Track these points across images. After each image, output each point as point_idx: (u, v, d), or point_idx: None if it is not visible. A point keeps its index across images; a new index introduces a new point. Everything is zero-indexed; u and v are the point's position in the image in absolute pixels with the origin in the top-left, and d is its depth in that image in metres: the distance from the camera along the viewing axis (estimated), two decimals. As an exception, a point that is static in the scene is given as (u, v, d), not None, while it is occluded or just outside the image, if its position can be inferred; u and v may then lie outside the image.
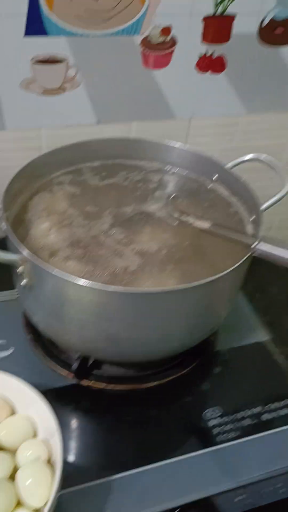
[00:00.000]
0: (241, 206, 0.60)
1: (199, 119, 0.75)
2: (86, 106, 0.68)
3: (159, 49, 0.66)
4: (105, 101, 0.68)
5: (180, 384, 0.57)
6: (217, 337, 0.63)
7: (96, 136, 0.69)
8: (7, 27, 0.58)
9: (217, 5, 0.64)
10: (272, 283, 0.73)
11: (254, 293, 0.70)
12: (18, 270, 0.47)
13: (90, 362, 0.55)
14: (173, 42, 0.66)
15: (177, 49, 0.67)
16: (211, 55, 0.69)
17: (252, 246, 0.48)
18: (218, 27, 0.67)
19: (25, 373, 0.54)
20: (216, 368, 0.60)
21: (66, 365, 0.56)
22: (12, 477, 0.42)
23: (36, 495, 0.40)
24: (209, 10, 0.65)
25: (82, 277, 0.44)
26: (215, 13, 0.65)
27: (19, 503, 0.40)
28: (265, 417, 0.55)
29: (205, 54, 0.69)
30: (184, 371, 0.58)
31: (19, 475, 0.41)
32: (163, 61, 0.68)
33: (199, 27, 0.66)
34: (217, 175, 0.63)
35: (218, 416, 0.54)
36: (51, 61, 0.62)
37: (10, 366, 0.55)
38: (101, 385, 0.55)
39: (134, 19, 0.63)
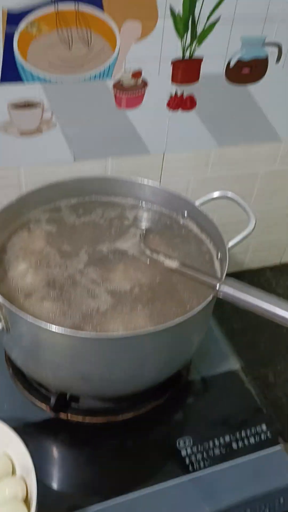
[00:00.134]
0: (210, 242, 0.63)
1: (173, 154, 0.78)
2: (62, 145, 0.71)
3: (131, 91, 0.69)
4: (80, 140, 0.71)
5: (154, 415, 0.60)
6: (191, 366, 0.66)
7: (73, 172, 0.72)
8: (-17, 76, 0.61)
9: (184, 49, 0.68)
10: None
11: (225, 321, 0.73)
12: (-5, 315, 0.49)
13: (68, 396, 0.58)
14: (144, 84, 0.69)
15: (148, 90, 0.70)
16: (181, 94, 0.72)
17: (216, 288, 0.51)
18: (186, 69, 0.70)
19: (6, 406, 0.57)
20: (189, 398, 0.63)
21: (46, 398, 0.59)
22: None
23: (13, 533, 0.42)
24: (177, 54, 0.68)
25: (56, 318, 0.47)
26: (183, 57, 0.68)
27: None
28: (235, 445, 0.57)
29: (175, 94, 0.72)
30: (158, 402, 0.61)
31: (-3, 514, 0.43)
32: (135, 102, 0.71)
33: (168, 70, 0.69)
34: (187, 211, 0.66)
35: (190, 446, 0.57)
36: (27, 105, 0.65)
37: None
38: (78, 418, 0.58)
39: (106, 65, 0.66)
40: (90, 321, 0.52)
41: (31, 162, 0.71)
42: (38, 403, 0.59)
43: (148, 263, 0.59)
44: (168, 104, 0.73)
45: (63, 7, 0.59)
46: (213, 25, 0.66)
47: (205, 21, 0.66)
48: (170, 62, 0.69)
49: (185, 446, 0.57)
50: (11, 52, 0.61)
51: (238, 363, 0.67)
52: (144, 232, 0.64)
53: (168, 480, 0.55)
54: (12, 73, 0.62)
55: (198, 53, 0.69)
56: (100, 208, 0.67)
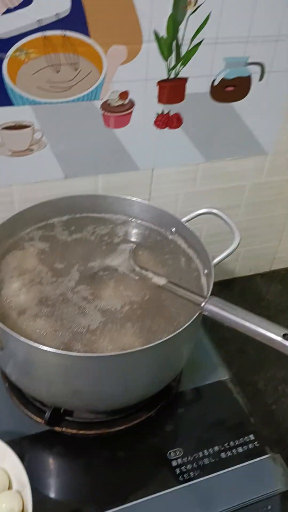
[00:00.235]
0: (197, 258, 0.65)
1: (161, 169, 0.80)
2: (53, 164, 0.73)
3: (119, 111, 0.72)
4: (71, 158, 0.73)
5: (146, 426, 0.62)
6: (181, 378, 0.68)
7: (65, 189, 0.74)
8: (-25, 101, 0.63)
9: (169, 70, 0.70)
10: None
11: (215, 330, 0.75)
12: (-11, 335, 0.51)
13: (62, 410, 0.60)
14: (131, 104, 0.72)
15: (135, 110, 0.72)
16: (168, 113, 0.75)
17: (201, 305, 0.53)
18: (172, 89, 0.72)
19: (2, 420, 0.59)
20: (179, 409, 0.65)
21: (41, 411, 0.61)
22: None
23: None
24: (162, 75, 0.70)
25: (48, 336, 0.49)
26: (168, 77, 0.71)
27: None
28: (223, 455, 0.60)
29: (162, 113, 0.74)
30: (150, 414, 0.63)
31: (-6, 527, 0.45)
32: (123, 121, 0.73)
33: (155, 90, 0.71)
34: (175, 228, 0.68)
35: (180, 457, 0.59)
36: (17, 127, 0.67)
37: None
38: (72, 431, 0.60)
39: (93, 87, 0.68)
40: (81, 339, 0.54)
41: (23, 180, 0.73)
42: (34, 417, 0.60)
43: (137, 279, 0.61)
44: (156, 123, 0.75)
45: (51, 32, 0.62)
46: (196, 47, 0.69)
47: (189, 43, 0.68)
48: (156, 83, 0.71)
49: (175, 456, 0.59)
50: (1, 77, 0.63)
51: (227, 373, 0.70)
52: (134, 248, 0.66)
53: (160, 490, 0.56)
54: (2, 98, 0.64)
55: (183, 73, 0.71)
56: (91, 225, 0.69)
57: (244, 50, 0.72)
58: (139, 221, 0.71)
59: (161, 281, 0.60)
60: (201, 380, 0.68)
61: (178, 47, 0.68)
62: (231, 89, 0.76)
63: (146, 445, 0.61)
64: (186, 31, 0.67)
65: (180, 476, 0.58)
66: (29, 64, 0.63)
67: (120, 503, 0.55)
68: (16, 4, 0.58)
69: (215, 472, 0.58)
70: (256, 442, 0.62)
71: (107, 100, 0.70)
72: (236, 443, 0.60)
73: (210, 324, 0.74)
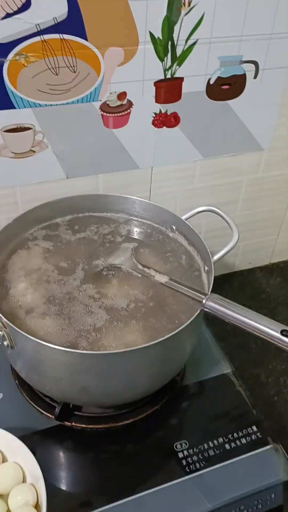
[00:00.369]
0: (197, 255, 0.67)
1: (160, 167, 0.82)
2: (55, 165, 0.74)
3: (117, 112, 0.73)
4: (72, 159, 0.75)
5: (152, 419, 0.64)
6: (185, 372, 0.69)
7: (66, 189, 0.75)
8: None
9: (165, 70, 0.71)
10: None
11: (216, 324, 0.77)
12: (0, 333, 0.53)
13: (71, 405, 0.61)
14: (129, 105, 0.73)
15: (133, 110, 0.73)
16: (165, 112, 0.76)
17: (203, 302, 0.54)
18: (168, 89, 0.73)
19: (14, 416, 0.61)
20: (184, 402, 0.66)
21: (51, 407, 0.63)
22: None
23: (25, 537, 0.46)
24: (159, 75, 0.71)
25: (55, 334, 0.51)
26: (165, 77, 0.72)
27: None
28: (228, 446, 0.61)
29: (159, 112, 0.76)
30: (155, 408, 0.64)
31: (10, 520, 0.47)
32: (121, 122, 0.74)
33: (152, 90, 0.73)
34: (175, 225, 0.70)
35: (186, 449, 0.61)
36: (19, 129, 0.69)
37: (1, 410, 0.61)
38: (82, 425, 0.62)
39: (92, 89, 0.69)
40: (87, 337, 0.55)
41: (26, 181, 0.74)
42: (44, 412, 0.62)
43: (140, 278, 0.63)
44: (153, 122, 0.76)
45: (49, 36, 0.63)
46: (191, 47, 0.70)
47: (184, 43, 0.69)
48: (153, 83, 0.72)
49: (182, 448, 0.61)
50: (2, 82, 0.64)
51: (229, 367, 0.71)
52: (136, 247, 0.68)
53: (168, 481, 0.58)
54: (3, 101, 0.65)
55: (179, 73, 0.72)
56: (94, 224, 0.70)
57: (238, 49, 0.73)
58: (140, 220, 0.72)
59: (163, 278, 0.61)
60: (204, 374, 0.70)
61: (174, 47, 0.69)
62: (226, 87, 0.77)
63: (152, 438, 0.62)
64: (181, 32, 0.68)
65: (187, 467, 0.59)
66: (29, 68, 0.64)
67: (129, 495, 0.56)
68: (15, 9, 0.59)
69: (220, 462, 0.60)
70: (258, 433, 0.63)
71: (105, 101, 0.71)
72: (240, 435, 0.62)
73: (211, 319, 0.75)
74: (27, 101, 0.67)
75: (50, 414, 0.62)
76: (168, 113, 0.76)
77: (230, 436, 0.62)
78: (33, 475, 0.50)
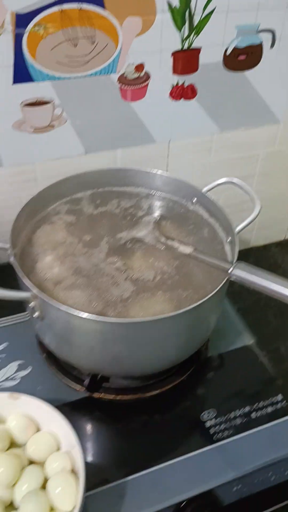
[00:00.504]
0: (219, 227, 0.66)
1: (177, 141, 0.81)
2: (73, 139, 0.74)
3: (135, 84, 0.72)
4: (90, 133, 0.74)
5: (179, 390, 0.64)
6: (209, 344, 0.70)
7: (85, 164, 0.75)
8: (-3, 78, 0.64)
9: (183, 41, 0.70)
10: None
11: (236, 299, 0.77)
12: (30, 305, 0.53)
13: (99, 376, 0.62)
14: (147, 77, 0.72)
15: (151, 82, 0.73)
16: (182, 84, 0.75)
17: (229, 271, 0.54)
18: (186, 60, 0.73)
19: (43, 389, 0.61)
20: (209, 373, 0.67)
21: (78, 380, 0.63)
22: (43, 486, 0.48)
23: (65, 501, 0.46)
24: (176, 46, 0.71)
25: (83, 305, 0.51)
26: (182, 48, 0.71)
27: (51, 509, 0.46)
28: (254, 415, 0.62)
29: (177, 84, 0.75)
30: (182, 378, 0.65)
31: (49, 484, 0.48)
32: (139, 94, 0.74)
33: (169, 61, 0.72)
34: (196, 198, 0.69)
35: (213, 417, 0.61)
36: (38, 103, 0.68)
37: (30, 384, 0.62)
38: (110, 397, 0.62)
39: (110, 60, 0.68)
40: (115, 307, 0.56)
41: (45, 157, 0.74)
42: (72, 385, 0.63)
43: (164, 250, 0.63)
44: (171, 94, 0.76)
45: (67, 6, 0.62)
46: (208, 16, 0.69)
47: (201, 12, 0.68)
48: (170, 54, 0.71)
49: (208, 418, 0.62)
50: (21, 54, 0.63)
51: (252, 338, 0.72)
52: (158, 219, 0.67)
53: (195, 449, 0.59)
54: (23, 74, 0.65)
55: (196, 43, 0.71)
56: (115, 198, 0.70)
57: (255, 17, 0.72)
58: (160, 193, 0.72)
59: (187, 249, 0.61)
60: (228, 346, 0.70)
61: (191, 16, 0.68)
62: (243, 57, 0.76)
63: (180, 408, 0.63)
64: (198, 0, 0.67)
65: (214, 436, 0.60)
66: (48, 39, 0.63)
67: (158, 463, 0.57)
68: (33, -22, 0.58)
69: (246, 431, 0.61)
70: (284, 402, 0.64)
71: (123, 73, 0.70)
72: (265, 403, 0.63)
73: (230, 294, 0.75)
74: (46, 74, 0.66)
75: (78, 386, 0.63)
76: (185, 85, 0.76)
77: (255, 405, 0.63)
78: (68, 442, 0.51)
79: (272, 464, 0.59)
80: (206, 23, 0.70)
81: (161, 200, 0.71)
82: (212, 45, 0.73)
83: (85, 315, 0.50)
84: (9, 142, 0.70)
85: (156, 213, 0.69)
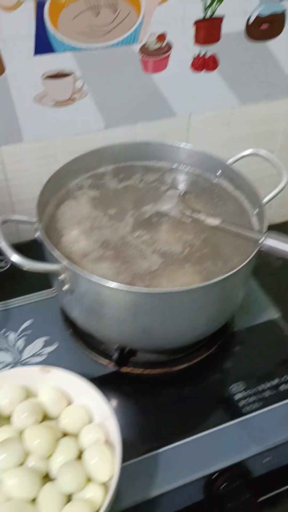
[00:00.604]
0: (245, 199, 0.65)
1: (197, 114, 0.80)
2: (94, 113, 0.73)
3: (157, 55, 0.71)
4: (111, 106, 0.73)
5: (206, 364, 0.64)
6: (234, 319, 0.69)
7: (105, 140, 0.74)
8: (18, 49, 0.62)
9: (206, 9, 0.69)
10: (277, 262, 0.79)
11: (263, 273, 0.76)
12: (59, 278, 0.52)
13: (126, 350, 0.61)
14: (168, 47, 0.71)
15: (172, 52, 0.71)
16: (204, 55, 0.74)
17: (259, 242, 0.53)
18: (208, 29, 0.71)
19: (70, 365, 0.61)
20: (236, 346, 0.66)
21: (105, 354, 0.63)
22: (77, 458, 0.48)
23: (102, 471, 0.46)
24: (199, 14, 0.69)
25: (111, 277, 0.50)
26: (204, 16, 0.69)
27: (88, 479, 0.46)
28: (283, 387, 0.61)
29: (198, 55, 0.73)
30: (209, 352, 0.64)
31: (85, 456, 0.47)
32: (161, 65, 0.72)
33: (191, 31, 0.70)
34: (220, 171, 0.68)
35: (242, 390, 0.61)
36: (59, 75, 0.67)
37: (57, 359, 0.62)
38: (138, 371, 0.62)
39: (132, 30, 0.67)
40: (143, 280, 0.55)
41: (66, 132, 0.73)
42: (100, 360, 0.62)
43: (190, 223, 0.62)
44: (192, 65, 0.74)
45: (89, -27, 0.60)
46: (234, -18, 0.67)
47: (226, -22, 0.67)
48: (192, 23, 0.70)
49: (237, 390, 0.61)
50: (43, 23, 0.62)
51: (277, 312, 0.71)
52: (182, 193, 0.66)
53: (224, 422, 0.58)
54: (44, 45, 0.63)
55: (218, 12, 0.70)
56: (138, 172, 0.69)
57: (279, -16, 0.70)
58: (183, 167, 0.71)
59: (215, 221, 0.60)
60: (253, 320, 0.70)
61: (215, -17, 0.67)
62: (265, 26, 0.74)
63: (208, 381, 0.63)
64: None
65: (243, 409, 0.60)
66: (69, 8, 0.62)
67: (188, 436, 0.57)
68: None
69: (275, 403, 0.60)
70: (312, 374, 0.63)
71: (145, 44, 0.69)
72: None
73: (254, 270, 0.75)
74: (68, 44, 0.65)
75: (105, 361, 0.62)
76: (207, 55, 0.74)
77: (283, 377, 0.62)
78: (101, 414, 0.51)
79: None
80: (229, -9, 0.68)
81: (185, 174, 0.70)
82: (235, 13, 0.71)
83: (117, 285, 0.49)
84: (30, 116, 0.69)
85: (180, 187, 0.68)
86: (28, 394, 0.53)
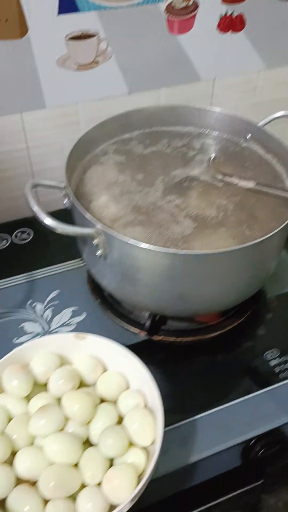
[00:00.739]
0: (277, 163, 0.63)
1: (222, 79, 0.77)
2: (118, 78, 0.70)
3: (183, 14, 0.68)
4: (135, 70, 0.71)
5: (238, 332, 0.63)
6: (265, 287, 0.68)
7: (128, 106, 0.71)
8: (42, 8, 0.60)
9: None
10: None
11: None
12: (93, 242, 0.51)
13: (157, 318, 0.60)
14: (195, 6, 0.68)
15: (199, 12, 0.69)
16: (231, 14, 0.71)
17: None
18: (237, -14, 0.68)
19: (101, 334, 0.59)
20: (268, 314, 0.65)
21: (136, 323, 0.62)
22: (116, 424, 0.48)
23: (144, 436, 0.45)
24: None
25: (145, 242, 0.49)
26: (234, -28, 0.66)
27: (130, 444, 0.46)
28: None
29: (225, 14, 0.71)
30: (241, 320, 0.63)
31: (126, 421, 0.47)
32: (186, 25, 0.69)
33: (219, -12, 0.67)
34: (250, 134, 0.66)
35: (277, 357, 0.60)
36: (83, 36, 0.64)
37: (86, 329, 0.60)
38: (170, 339, 0.61)
39: (158, -13, 0.64)
40: (176, 244, 0.53)
41: (88, 97, 0.71)
42: (131, 328, 0.61)
43: (223, 186, 0.60)
44: (218, 26, 0.72)
45: None
46: None
47: None
48: (220, -20, 0.67)
49: (272, 357, 0.60)
50: (66, -20, 0.59)
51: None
52: (212, 158, 0.64)
53: (261, 388, 0.57)
54: (69, 3, 0.61)
55: None
56: (165, 138, 0.67)
57: None
58: (210, 131, 0.68)
59: (249, 184, 0.58)
60: (284, 288, 0.69)
61: None
62: (296, -16, 0.71)
63: (242, 348, 0.62)
64: None
65: (280, 374, 0.59)
66: None
67: (224, 403, 0.56)
68: None
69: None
70: None
71: (171, 2, 0.66)
72: None
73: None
74: (92, 3, 0.62)
75: (137, 330, 0.61)
76: (234, 15, 0.71)
77: None
78: (139, 379, 0.50)
79: None
80: None
81: (213, 139, 0.68)
82: None
83: (155, 247, 0.48)
84: (53, 81, 0.67)
85: (209, 152, 0.66)
86: (63, 361, 0.52)
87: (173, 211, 0.57)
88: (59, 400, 0.48)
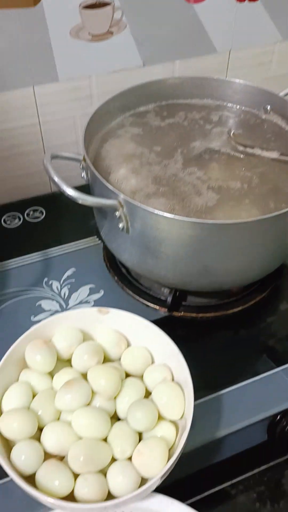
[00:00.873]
0: (299, 133, 0.62)
1: (237, 51, 0.75)
2: (132, 49, 0.68)
3: (200, -18, 0.66)
4: (150, 41, 0.69)
5: (262, 307, 0.62)
6: (287, 262, 0.66)
7: (142, 78, 0.69)
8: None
9: None
10: None
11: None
12: (116, 214, 0.49)
13: (177, 293, 0.59)
14: (213, -27, 0.66)
15: (217, -21, 0.66)
16: (249, -18, 0.69)
17: None
18: None
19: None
20: (289, 290, 0.64)
21: (155, 299, 0.61)
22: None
23: (173, 409, 0.44)
24: None
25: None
26: None
27: (159, 418, 0.45)
28: None
29: (243, -18, 0.68)
30: (262, 296, 0.62)
31: (154, 394, 0.46)
32: (203, -6, 0.67)
33: None
34: (269, 106, 0.64)
35: (301, 332, 0.59)
36: (98, 5, 0.62)
37: (105, 306, 0.59)
38: (192, 315, 0.60)
39: None
40: (200, 216, 0.52)
41: (102, 70, 0.69)
42: (151, 304, 0.60)
43: (244, 158, 0.58)
44: (236, -6, 0.69)
45: None
46: None
47: None
48: None
49: (296, 332, 0.59)
50: None
51: None
52: (232, 129, 0.63)
53: (286, 363, 0.56)
54: None
55: None
56: (182, 110, 0.65)
57: None
58: (229, 103, 0.67)
59: (273, 154, 0.57)
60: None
61: None
62: None
63: (265, 323, 0.61)
64: None
65: (304, 351, 0.58)
66: None
67: (249, 377, 0.55)
68: None
69: None
70: None
71: None
72: None
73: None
74: None
75: (157, 306, 0.60)
76: (252, -17, 0.69)
77: None
78: (164, 354, 0.49)
79: None
80: None
81: (232, 110, 0.66)
82: None
83: (182, 218, 0.46)
84: (66, 52, 0.65)
85: (228, 124, 0.64)
86: (85, 337, 0.51)
87: (195, 182, 0.56)
88: (83, 375, 0.47)
